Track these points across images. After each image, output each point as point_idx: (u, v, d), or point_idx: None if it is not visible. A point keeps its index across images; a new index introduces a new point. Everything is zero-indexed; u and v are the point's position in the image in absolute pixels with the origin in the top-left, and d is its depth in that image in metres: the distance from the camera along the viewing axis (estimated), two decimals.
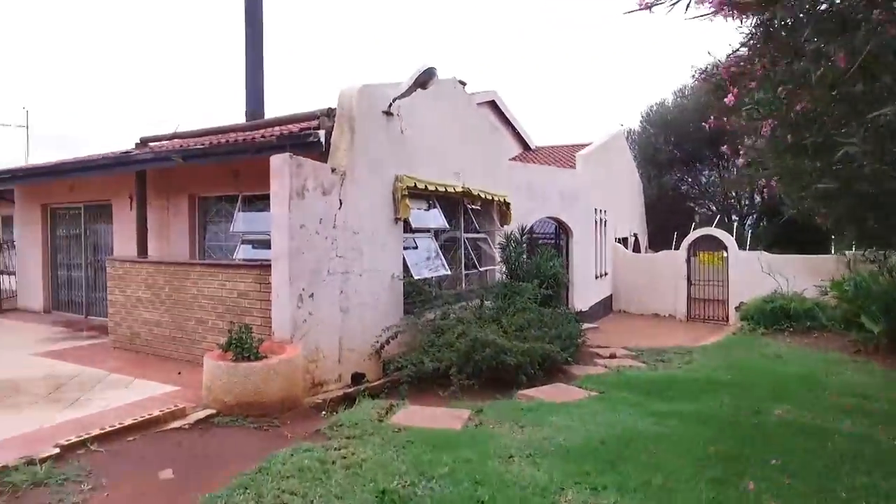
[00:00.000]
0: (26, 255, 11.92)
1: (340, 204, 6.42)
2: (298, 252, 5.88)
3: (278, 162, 5.89)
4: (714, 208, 25.80)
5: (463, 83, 9.93)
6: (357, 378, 6.54)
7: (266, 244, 8.33)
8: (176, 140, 9.22)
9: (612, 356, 9.14)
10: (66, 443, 4.26)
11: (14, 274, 12.43)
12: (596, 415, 5.31)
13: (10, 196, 12.30)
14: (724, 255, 15.88)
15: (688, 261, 16.43)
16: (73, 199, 10.95)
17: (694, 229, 17.22)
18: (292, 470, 3.74)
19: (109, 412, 5.07)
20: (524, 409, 5.54)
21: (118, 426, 4.60)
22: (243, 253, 8.47)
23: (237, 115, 11.96)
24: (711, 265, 16.28)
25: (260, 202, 8.48)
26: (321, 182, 6.25)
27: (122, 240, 10.02)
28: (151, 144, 9.25)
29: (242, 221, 8.57)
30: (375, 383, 6.49)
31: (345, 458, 3.99)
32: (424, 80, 6.99)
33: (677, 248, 17.36)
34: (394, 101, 7.15)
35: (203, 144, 7.94)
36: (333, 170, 6.46)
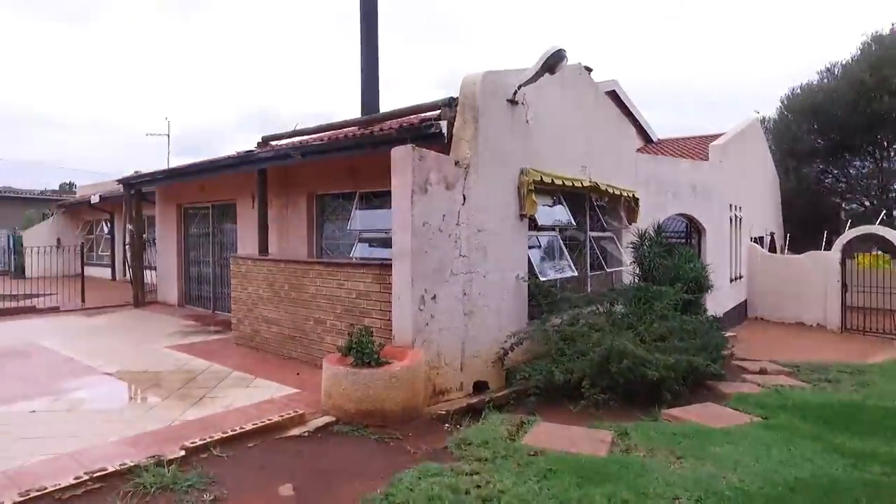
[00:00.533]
0: (164, 252, 12.73)
1: (464, 199, 5.95)
2: (421, 251, 5.48)
3: (400, 154, 5.52)
4: (868, 203, 22.64)
5: (588, 69, 9.15)
6: (479, 387, 6.05)
7: (384, 243, 8.10)
8: (295, 138, 9.27)
9: (762, 371, 7.97)
10: (191, 445, 4.13)
11: (155, 269, 13.36)
12: (769, 448, 4.41)
13: (152, 198, 13.22)
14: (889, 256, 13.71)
15: (842, 263, 14.38)
16: (203, 199, 11.48)
17: (850, 227, 15.06)
18: (422, 499, 3.28)
19: (231, 414, 4.96)
20: (677, 434, 4.75)
21: (239, 431, 4.42)
22: (360, 251, 8.30)
23: (354, 113, 11.90)
24: (874, 268, 14.12)
25: (377, 199, 8.28)
26: (444, 176, 5.82)
27: (246, 238, 10.30)
28: (272, 143, 9.38)
29: (360, 219, 8.41)
30: (500, 394, 5.95)
31: (479, 487, 3.48)
32: (553, 63, 6.35)
33: (827, 248, 15.28)
34: (519, 87, 6.58)
35: (321, 140, 7.86)
36: (457, 162, 6.01)
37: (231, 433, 4.37)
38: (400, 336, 5.49)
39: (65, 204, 21.66)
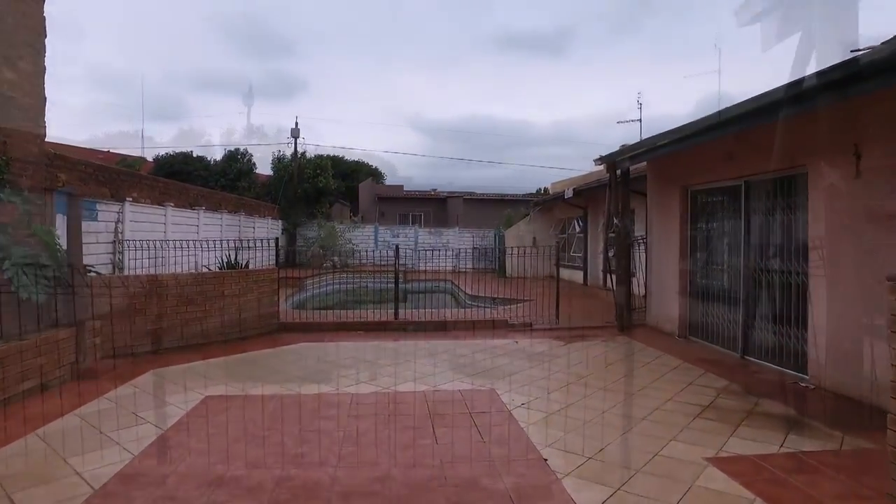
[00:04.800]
0: (659, 257, 9.10)
1: None
2: None
3: None
4: None
5: None
6: None
7: None
8: None
9: None
10: None
11: (637, 278, 9.96)
12: None
13: (636, 186, 9.87)
14: None
15: None
16: (728, 174, 7.20)
17: None
18: None
19: None
20: None
21: None
22: None
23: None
24: None
25: None
26: None
27: (829, 231, 5.52)
28: None
29: None
30: None
31: None
32: None
33: None
34: None
35: None
36: None
37: None
38: None
39: (539, 201, 21.19)
